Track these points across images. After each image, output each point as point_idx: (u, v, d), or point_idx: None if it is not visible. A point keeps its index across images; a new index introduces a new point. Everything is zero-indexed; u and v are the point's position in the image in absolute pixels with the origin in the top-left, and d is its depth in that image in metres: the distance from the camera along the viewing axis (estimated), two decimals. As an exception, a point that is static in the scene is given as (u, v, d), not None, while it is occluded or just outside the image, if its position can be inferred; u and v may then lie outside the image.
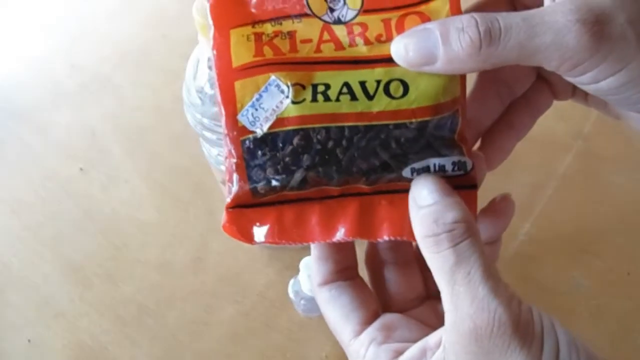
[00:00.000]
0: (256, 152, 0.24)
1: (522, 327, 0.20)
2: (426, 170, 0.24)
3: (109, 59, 0.72)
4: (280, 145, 0.23)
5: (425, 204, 0.22)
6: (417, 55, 0.22)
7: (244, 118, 0.24)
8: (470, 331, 0.20)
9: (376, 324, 0.26)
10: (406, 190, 0.24)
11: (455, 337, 0.21)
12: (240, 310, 0.51)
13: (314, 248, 0.28)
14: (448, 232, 0.21)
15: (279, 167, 0.24)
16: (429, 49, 0.21)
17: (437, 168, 0.24)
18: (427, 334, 0.24)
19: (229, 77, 0.23)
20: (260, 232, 0.26)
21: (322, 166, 0.24)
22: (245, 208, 0.25)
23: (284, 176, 0.24)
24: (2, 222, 0.59)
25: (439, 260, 0.21)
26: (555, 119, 0.60)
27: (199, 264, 0.54)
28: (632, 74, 0.20)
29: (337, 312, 0.27)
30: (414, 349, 0.24)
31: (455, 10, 0.24)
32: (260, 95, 0.23)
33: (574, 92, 0.29)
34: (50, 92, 0.69)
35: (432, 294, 0.29)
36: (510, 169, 0.57)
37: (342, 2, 0.24)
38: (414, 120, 0.23)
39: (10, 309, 0.53)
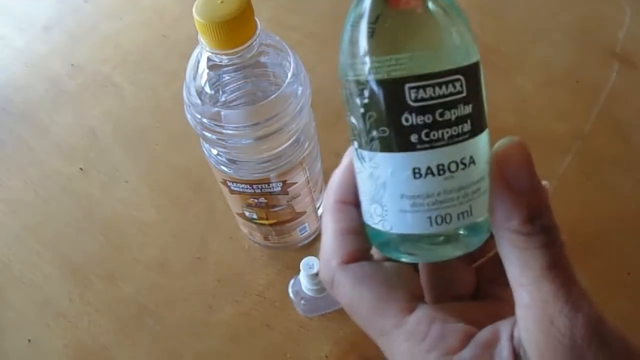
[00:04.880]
0: None
1: (609, 330, 0.20)
2: None
3: (109, 59, 0.72)
4: None
5: (520, 189, 0.21)
6: None
7: None
8: (565, 328, 0.20)
9: (431, 304, 0.23)
10: None
11: (543, 334, 0.20)
12: (240, 310, 0.51)
13: (336, 222, 0.25)
14: (544, 234, 0.21)
15: None
16: None
17: None
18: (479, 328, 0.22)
19: None
20: None
21: None
22: None
23: None
24: (2, 222, 0.59)
25: (526, 256, 0.21)
26: (555, 119, 0.60)
27: (199, 264, 0.54)
28: None
29: (377, 289, 0.23)
30: (486, 332, 0.22)
31: None
32: None
33: None
34: (50, 92, 0.69)
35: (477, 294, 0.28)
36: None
37: None
38: None
39: (10, 309, 0.53)
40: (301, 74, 0.40)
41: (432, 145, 0.22)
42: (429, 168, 0.22)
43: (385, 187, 0.23)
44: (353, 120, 0.23)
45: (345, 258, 0.24)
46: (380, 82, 0.22)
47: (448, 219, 0.22)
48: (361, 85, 0.22)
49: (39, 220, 0.59)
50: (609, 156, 0.57)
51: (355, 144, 0.24)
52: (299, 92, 0.40)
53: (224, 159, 0.44)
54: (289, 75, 0.39)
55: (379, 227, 0.24)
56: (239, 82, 0.41)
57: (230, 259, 0.54)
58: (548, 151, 0.57)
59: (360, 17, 0.22)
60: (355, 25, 0.22)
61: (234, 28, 0.35)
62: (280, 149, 0.42)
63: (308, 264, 0.44)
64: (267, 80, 0.41)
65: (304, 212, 0.49)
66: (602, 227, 0.51)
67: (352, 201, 0.25)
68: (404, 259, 0.24)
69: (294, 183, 0.45)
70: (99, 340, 0.50)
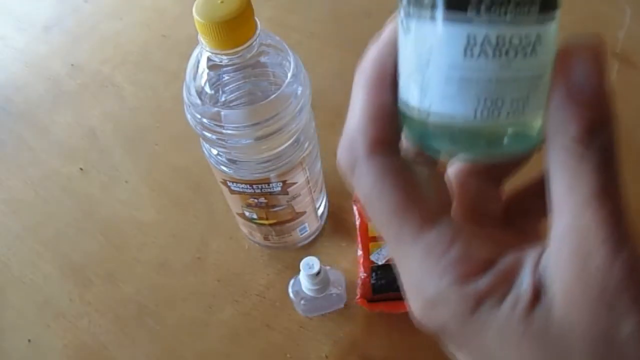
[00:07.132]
0: (376, 271, 0.49)
1: None
2: None
3: (109, 59, 0.72)
4: (388, 270, 0.48)
5: (583, 96, 0.18)
6: None
7: (373, 257, 0.49)
8: (602, 267, 0.17)
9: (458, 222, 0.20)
10: None
11: (575, 270, 0.17)
12: (240, 310, 0.51)
13: (370, 96, 0.20)
14: (600, 153, 0.18)
15: (384, 280, 0.48)
16: None
17: None
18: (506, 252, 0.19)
19: (367, 240, 0.50)
20: (376, 307, 0.49)
21: None
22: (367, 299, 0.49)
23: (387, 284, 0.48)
24: (2, 222, 0.59)
25: (575, 177, 0.18)
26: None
27: (199, 264, 0.54)
28: None
29: (403, 190, 0.20)
30: (509, 260, 0.19)
31: None
32: (380, 250, 0.49)
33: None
34: (50, 92, 0.70)
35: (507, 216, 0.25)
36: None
37: None
38: None
39: (10, 309, 0.53)
40: (301, 74, 0.40)
41: (492, 12, 0.18)
42: (486, 39, 0.18)
43: (430, 61, 0.19)
44: None
45: (374, 141, 0.20)
46: None
47: (499, 104, 0.18)
48: None
49: (39, 220, 0.59)
50: (609, 156, 0.57)
51: (402, 12, 0.19)
52: (299, 92, 0.40)
53: (224, 159, 0.44)
54: (289, 75, 0.39)
55: (416, 104, 0.19)
56: (239, 82, 0.41)
57: (230, 259, 0.54)
58: (548, 151, 0.57)
59: None
60: None
61: (234, 28, 0.35)
62: (280, 149, 0.42)
63: (308, 264, 0.44)
64: (267, 80, 0.41)
65: (304, 212, 0.49)
66: (602, 227, 0.51)
67: (390, 80, 0.20)
68: (441, 147, 0.20)
69: (294, 183, 0.45)
70: (99, 340, 0.50)
